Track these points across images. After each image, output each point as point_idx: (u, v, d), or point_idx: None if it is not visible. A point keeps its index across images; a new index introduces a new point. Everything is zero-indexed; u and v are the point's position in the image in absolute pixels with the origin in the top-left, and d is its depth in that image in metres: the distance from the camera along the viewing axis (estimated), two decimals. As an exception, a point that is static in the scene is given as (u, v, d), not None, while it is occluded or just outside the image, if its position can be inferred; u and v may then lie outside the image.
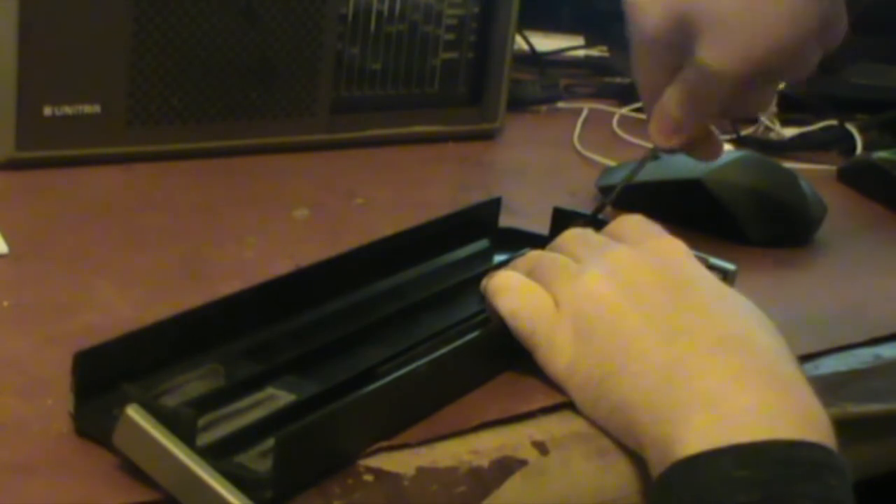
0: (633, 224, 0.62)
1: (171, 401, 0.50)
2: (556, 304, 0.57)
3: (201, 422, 0.49)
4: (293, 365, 0.55)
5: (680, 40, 0.67)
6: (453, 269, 0.67)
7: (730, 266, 0.65)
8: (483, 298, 0.60)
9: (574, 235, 0.62)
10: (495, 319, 0.58)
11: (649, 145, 0.75)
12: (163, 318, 0.52)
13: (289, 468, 0.46)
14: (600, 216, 0.69)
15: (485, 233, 0.71)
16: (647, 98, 0.72)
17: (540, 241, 0.65)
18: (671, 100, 0.70)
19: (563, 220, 0.68)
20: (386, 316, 0.61)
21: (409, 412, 0.53)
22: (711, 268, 0.65)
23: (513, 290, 0.58)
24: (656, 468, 0.50)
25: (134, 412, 0.46)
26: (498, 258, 0.68)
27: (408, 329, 0.60)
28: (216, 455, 0.46)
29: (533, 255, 0.61)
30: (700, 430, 0.49)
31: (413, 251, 0.66)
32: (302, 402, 0.52)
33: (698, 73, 0.68)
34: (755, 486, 0.47)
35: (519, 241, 0.68)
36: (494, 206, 0.71)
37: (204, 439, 0.48)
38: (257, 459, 0.48)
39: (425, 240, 0.67)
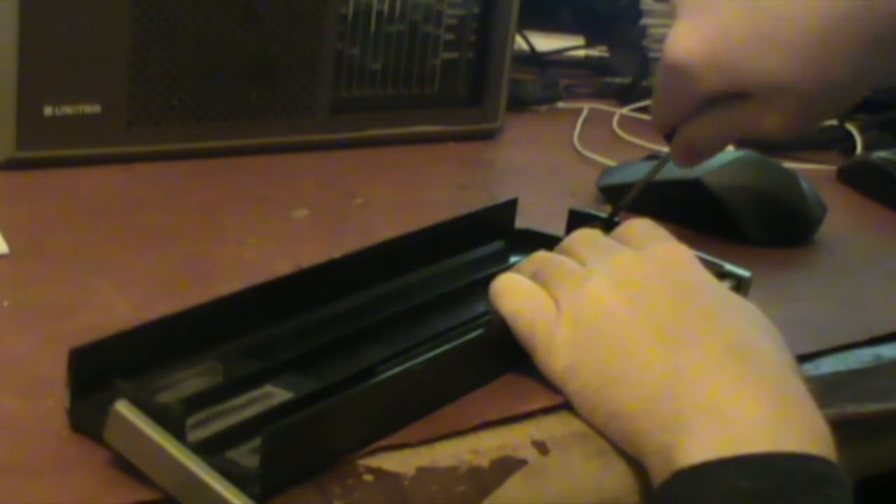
0: (641, 228, 0.62)
1: (166, 397, 0.50)
2: (558, 307, 0.57)
3: (195, 418, 0.49)
4: (293, 363, 0.55)
5: (725, 96, 0.66)
6: (467, 270, 0.67)
7: (744, 273, 0.65)
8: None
9: (581, 237, 0.62)
10: (497, 320, 0.58)
11: (652, 146, 0.75)
12: (163, 315, 0.52)
13: (276, 464, 0.46)
14: (615, 219, 0.68)
15: (501, 234, 0.71)
16: (663, 126, 0.72)
17: (556, 244, 0.64)
18: (704, 136, 0.70)
19: (578, 222, 0.68)
20: (392, 316, 0.61)
21: (403, 411, 0.53)
22: (726, 274, 0.65)
23: (514, 291, 0.58)
24: (658, 476, 0.50)
25: (123, 407, 0.46)
26: (514, 259, 0.68)
27: (412, 329, 0.60)
28: (207, 451, 0.46)
29: (538, 257, 0.61)
30: (703, 440, 0.49)
31: (427, 251, 0.66)
32: (298, 399, 0.52)
33: (745, 126, 0.67)
34: (758, 498, 0.47)
35: (535, 243, 0.67)
36: (510, 207, 0.71)
37: (196, 435, 0.48)
38: (248, 456, 0.48)
39: (440, 240, 0.67)
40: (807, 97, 0.65)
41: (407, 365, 0.54)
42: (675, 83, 0.67)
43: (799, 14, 0.63)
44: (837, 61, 0.64)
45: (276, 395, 0.53)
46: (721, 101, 0.67)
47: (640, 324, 0.55)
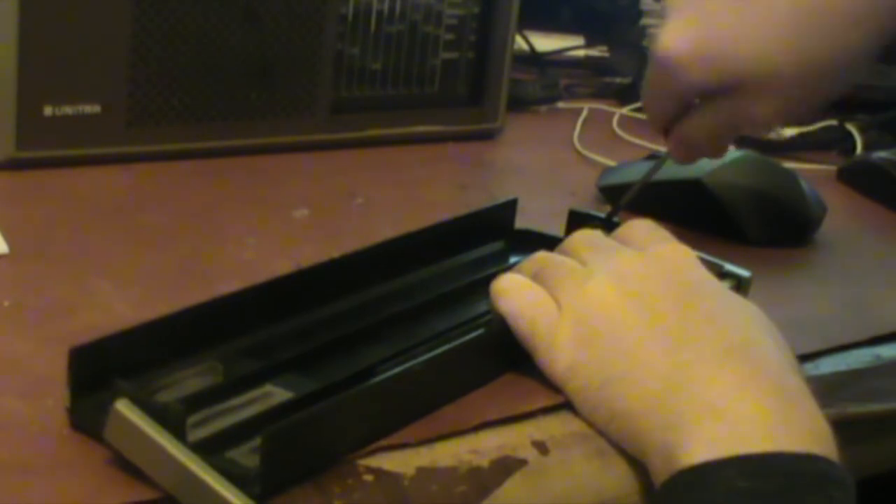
0: (642, 229, 0.62)
1: (166, 397, 0.50)
2: (559, 307, 0.57)
3: (195, 418, 0.49)
4: (293, 363, 0.55)
5: (715, 89, 0.67)
6: (467, 270, 0.67)
7: (744, 273, 0.65)
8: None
9: (582, 238, 0.62)
10: (497, 320, 0.58)
11: (652, 146, 0.75)
12: (163, 314, 0.52)
13: (277, 464, 0.46)
14: (614, 219, 0.68)
15: (501, 234, 0.71)
16: (658, 123, 0.72)
17: (556, 244, 0.64)
18: (699, 131, 0.70)
19: (578, 222, 0.68)
20: (392, 316, 0.61)
21: (403, 411, 0.53)
22: (726, 274, 0.65)
23: (515, 291, 0.58)
24: (659, 476, 0.50)
25: (123, 407, 0.46)
26: (514, 259, 0.68)
27: (413, 329, 0.60)
28: (207, 450, 0.46)
29: (539, 257, 0.61)
30: (705, 440, 0.49)
31: (427, 252, 0.66)
32: (298, 399, 0.52)
33: (737, 117, 0.68)
34: (759, 498, 0.47)
35: (535, 243, 0.67)
36: (511, 207, 0.71)
37: (196, 434, 0.48)
38: (248, 455, 0.48)
39: (440, 240, 0.66)
40: (791, 80, 0.66)
41: (407, 365, 0.54)
42: (664, 79, 0.68)
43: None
44: (817, 40, 0.65)
45: (276, 394, 0.53)
46: (712, 95, 0.67)
47: (642, 324, 0.55)
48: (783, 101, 0.67)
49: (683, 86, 0.68)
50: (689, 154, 0.73)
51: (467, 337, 0.58)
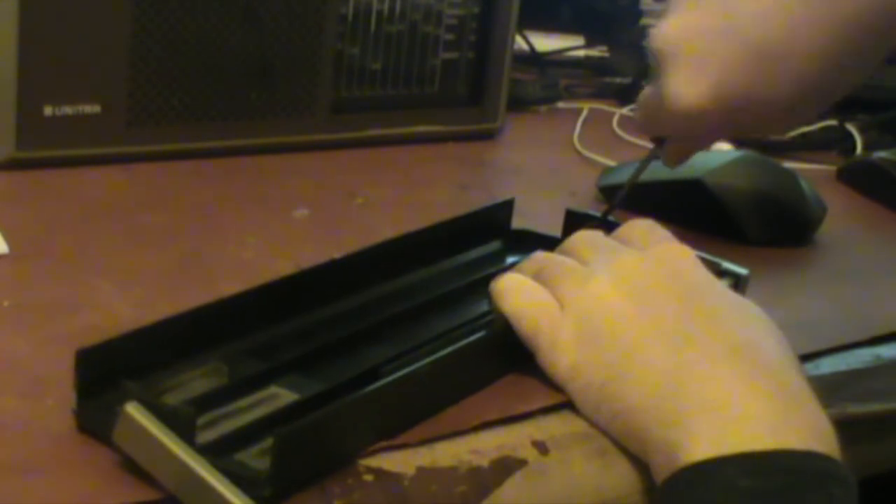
0: (643, 229, 0.62)
1: (172, 398, 0.50)
2: (562, 306, 0.57)
3: (202, 420, 0.49)
4: (298, 364, 0.55)
5: (729, 130, 0.72)
6: (465, 271, 0.67)
7: (742, 271, 0.65)
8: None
9: (583, 238, 0.62)
10: (500, 320, 0.58)
11: (652, 146, 0.75)
12: (167, 316, 0.52)
13: (287, 466, 0.46)
14: (611, 218, 0.68)
15: (498, 234, 0.71)
16: (653, 136, 0.75)
17: (553, 244, 0.64)
18: (703, 148, 0.75)
19: (575, 222, 0.68)
20: (393, 316, 0.61)
21: (410, 412, 0.53)
22: (723, 272, 0.65)
23: (517, 291, 0.58)
24: (661, 474, 0.50)
25: (133, 409, 0.46)
26: (511, 259, 0.68)
27: (415, 329, 0.60)
28: (216, 453, 0.46)
29: (540, 257, 0.61)
30: (707, 437, 0.49)
31: (425, 252, 0.66)
32: (304, 401, 0.52)
33: (743, 136, 0.73)
34: (760, 496, 0.47)
35: (532, 243, 0.67)
36: (507, 207, 0.71)
37: (204, 437, 0.48)
38: (257, 457, 0.48)
39: (437, 241, 0.67)
40: (805, 111, 0.70)
41: (415, 367, 0.54)
42: (684, 126, 0.70)
43: (791, 46, 0.66)
44: (837, 79, 0.68)
45: (281, 395, 0.53)
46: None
47: (644, 322, 0.55)
48: (794, 122, 0.73)
49: (698, 130, 0.70)
50: (682, 161, 0.75)
51: (472, 338, 0.58)
